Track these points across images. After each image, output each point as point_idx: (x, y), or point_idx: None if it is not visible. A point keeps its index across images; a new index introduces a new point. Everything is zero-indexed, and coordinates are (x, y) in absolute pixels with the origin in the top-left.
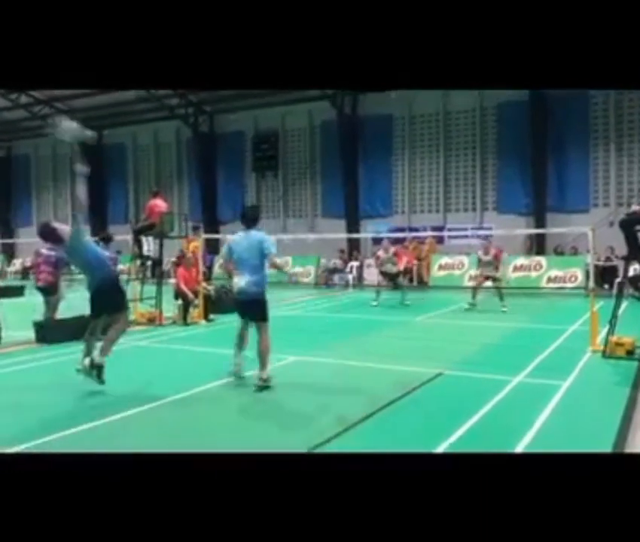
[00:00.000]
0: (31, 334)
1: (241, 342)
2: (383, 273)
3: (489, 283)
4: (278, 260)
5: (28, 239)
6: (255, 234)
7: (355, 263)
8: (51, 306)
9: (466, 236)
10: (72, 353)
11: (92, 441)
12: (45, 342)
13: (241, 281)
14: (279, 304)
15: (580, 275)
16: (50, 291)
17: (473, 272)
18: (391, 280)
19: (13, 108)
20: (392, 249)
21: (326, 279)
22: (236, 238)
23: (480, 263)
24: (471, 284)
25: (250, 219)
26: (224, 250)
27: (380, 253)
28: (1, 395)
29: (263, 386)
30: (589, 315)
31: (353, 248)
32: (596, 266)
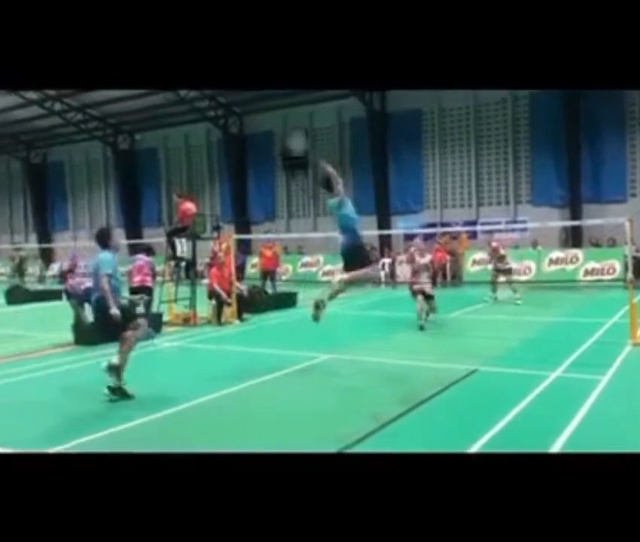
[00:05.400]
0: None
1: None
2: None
3: (502, 278)
4: (104, 282)
5: (65, 244)
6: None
7: (387, 260)
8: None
9: (500, 230)
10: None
11: (129, 442)
12: (84, 344)
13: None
14: (310, 302)
15: (618, 267)
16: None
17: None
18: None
19: (48, 115)
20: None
21: None
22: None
23: (491, 256)
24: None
25: (101, 241)
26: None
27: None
28: (40, 395)
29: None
30: (629, 307)
31: (384, 245)
32: (635, 258)
